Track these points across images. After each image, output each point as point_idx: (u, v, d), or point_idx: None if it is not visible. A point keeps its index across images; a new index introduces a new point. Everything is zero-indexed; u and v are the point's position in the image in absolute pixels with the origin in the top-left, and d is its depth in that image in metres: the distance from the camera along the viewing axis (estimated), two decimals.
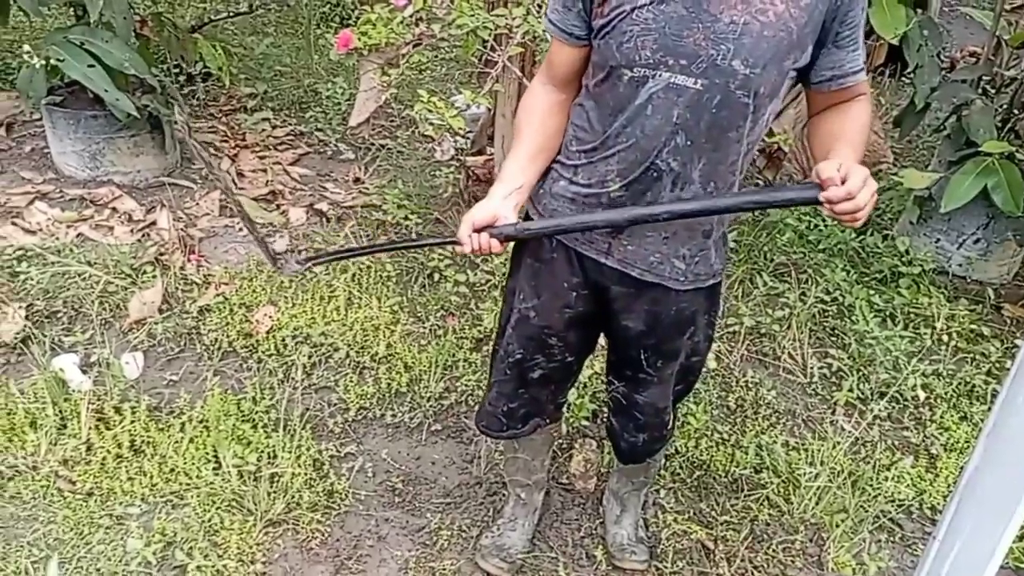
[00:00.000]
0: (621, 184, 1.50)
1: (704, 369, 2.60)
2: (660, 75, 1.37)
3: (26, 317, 2.64)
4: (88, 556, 1.93)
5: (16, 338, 2.58)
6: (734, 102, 1.37)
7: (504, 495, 2.22)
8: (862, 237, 3.33)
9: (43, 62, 2.98)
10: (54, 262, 2.85)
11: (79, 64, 3.01)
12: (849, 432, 2.53)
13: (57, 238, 3.04)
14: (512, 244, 1.69)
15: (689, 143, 1.42)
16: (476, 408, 1.98)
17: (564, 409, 2.10)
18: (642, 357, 1.72)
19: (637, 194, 1.50)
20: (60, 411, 2.30)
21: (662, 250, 1.56)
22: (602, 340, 1.86)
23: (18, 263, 2.85)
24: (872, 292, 3.04)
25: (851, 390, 2.66)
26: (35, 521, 2.01)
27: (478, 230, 1.51)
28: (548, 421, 1.95)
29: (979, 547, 1.66)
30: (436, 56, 2.99)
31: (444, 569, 2.04)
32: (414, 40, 2.80)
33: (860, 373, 2.74)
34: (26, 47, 2.94)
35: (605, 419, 1.99)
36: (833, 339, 2.93)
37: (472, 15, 2.33)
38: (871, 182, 1.28)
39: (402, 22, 2.55)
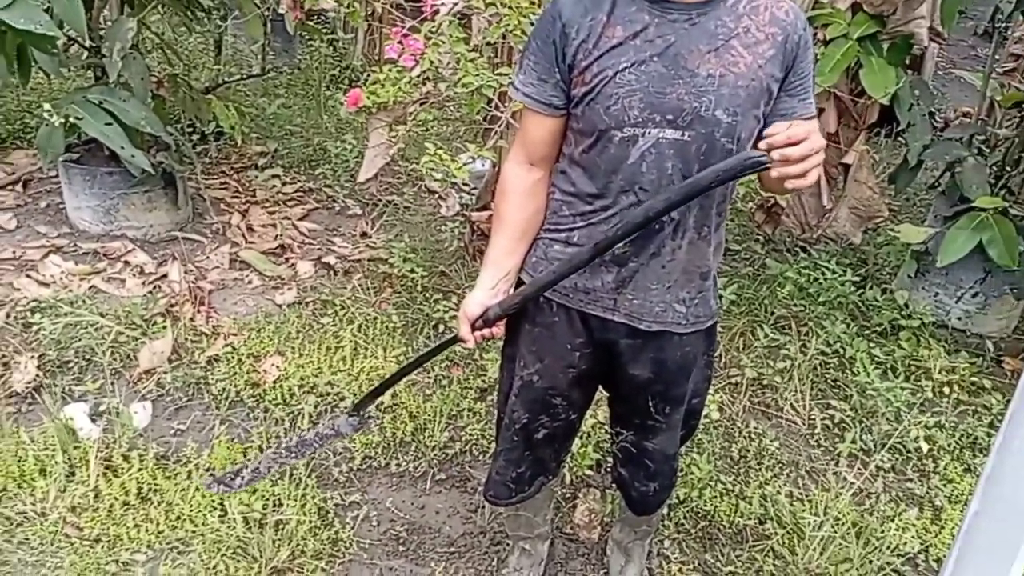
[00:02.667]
0: (624, 241, 1.56)
1: (706, 419, 2.64)
2: (650, 132, 1.43)
3: (38, 367, 2.68)
4: None
5: (28, 387, 2.61)
6: (719, 148, 1.44)
7: (508, 545, 2.22)
8: (862, 291, 3.37)
9: (62, 120, 3.08)
10: (67, 313, 2.90)
11: (97, 122, 3.11)
12: (852, 483, 2.54)
13: (70, 290, 3.09)
14: None
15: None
16: (484, 480, 1.98)
17: (563, 466, 2.11)
18: (650, 404, 1.74)
19: (639, 247, 1.55)
20: (69, 459, 2.33)
21: (665, 299, 1.61)
22: (602, 391, 1.89)
23: (31, 314, 2.91)
24: (872, 345, 3.08)
25: (854, 441, 2.68)
26: (42, 567, 2.02)
27: (474, 322, 1.60)
28: (550, 478, 1.97)
29: None
30: (442, 115, 3.09)
31: None
32: (421, 99, 2.91)
33: (862, 424, 2.76)
34: (46, 105, 3.05)
35: (612, 471, 2.00)
36: (835, 391, 2.95)
37: (477, 75, 2.42)
38: (817, 137, 1.28)
39: (409, 82, 2.65)
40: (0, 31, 2.87)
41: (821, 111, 3.25)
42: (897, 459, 2.67)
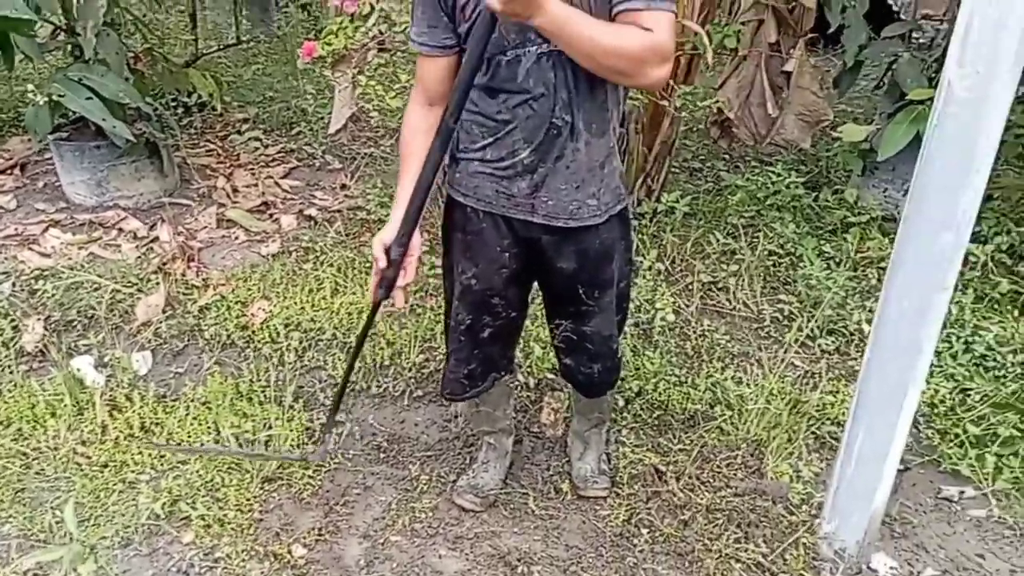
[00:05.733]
0: (530, 149, 1.73)
1: (662, 321, 2.83)
2: (528, 50, 1.61)
3: (44, 327, 2.93)
4: (105, 514, 2.19)
5: (36, 346, 2.86)
6: None
7: (478, 444, 2.45)
8: (816, 195, 3.52)
9: (46, 99, 3.28)
10: (68, 277, 3.14)
11: (78, 97, 3.31)
12: (798, 366, 2.73)
13: (70, 258, 3.33)
14: (441, 225, 1.94)
15: (568, 96, 1.66)
16: (439, 380, 2.17)
17: (514, 362, 2.28)
18: (580, 292, 1.92)
19: (543, 153, 1.73)
20: (77, 402, 2.58)
21: (577, 197, 1.79)
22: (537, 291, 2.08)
23: (35, 281, 3.15)
24: (822, 242, 3.24)
25: (800, 329, 2.86)
26: (57, 491, 2.28)
27: (387, 249, 1.71)
28: (503, 373, 2.16)
29: (880, 432, 1.86)
30: (402, 58, 3.24)
31: (423, 508, 2.27)
32: (374, 46, 3.07)
33: (808, 313, 2.94)
34: (30, 86, 3.25)
35: (558, 365, 2.19)
36: (786, 287, 3.13)
37: None
38: None
39: (357, 28, 2.82)
40: None
41: (761, 23, 3.36)
42: (840, 341, 2.85)
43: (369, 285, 2.07)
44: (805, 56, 3.29)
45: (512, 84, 1.66)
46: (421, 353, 2.85)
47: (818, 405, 2.53)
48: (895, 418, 1.84)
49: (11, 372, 2.70)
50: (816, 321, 2.86)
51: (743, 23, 3.34)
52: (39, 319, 2.95)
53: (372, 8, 2.77)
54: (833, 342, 2.83)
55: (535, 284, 2.05)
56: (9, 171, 4.06)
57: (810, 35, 3.44)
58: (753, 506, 2.21)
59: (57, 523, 2.15)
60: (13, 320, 2.93)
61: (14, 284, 3.14)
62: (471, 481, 2.32)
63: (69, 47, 3.60)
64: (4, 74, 4.68)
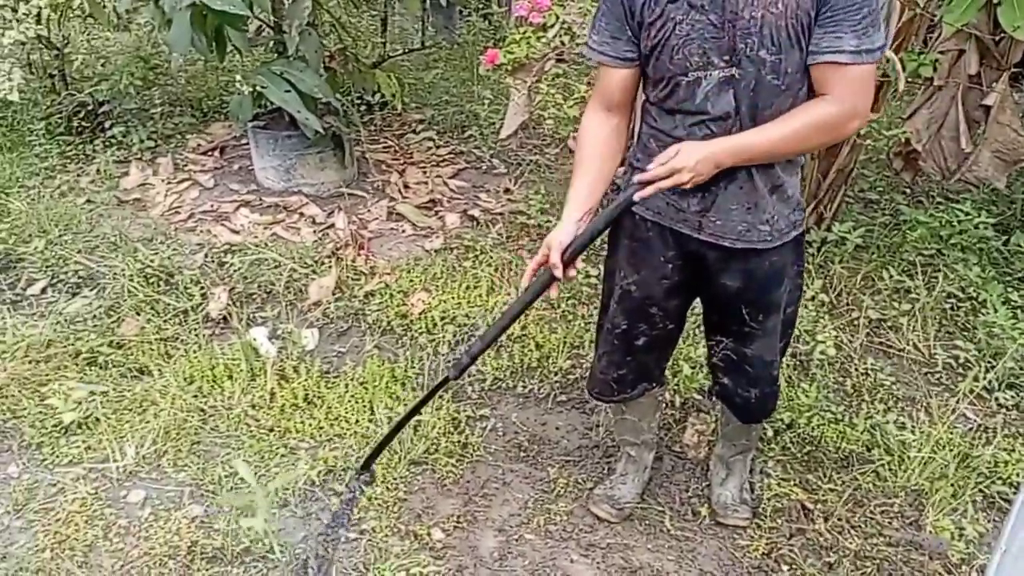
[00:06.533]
0: None
1: (821, 355, 2.72)
2: (711, 74, 1.62)
3: (229, 297, 3.19)
4: (267, 475, 2.36)
5: (220, 313, 3.12)
6: (766, 84, 1.60)
7: (618, 456, 2.45)
8: (1006, 238, 3.27)
9: (250, 89, 3.58)
10: (252, 254, 3.41)
11: (278, 90, 3.59)
12: (970, 418, 2.54)
13: (256, 236, 3.61)
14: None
15: (750, 123, 1.65)
16: (587, 376, 2.20)
17: (666, 374, 2.28)
18: (744, 312, 1.90)
19: (717, 176, 1.70)
20: (251, 368, 2.79)
21: (747, 219, 1.76)
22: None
23: (224, 255, 3.43)
24: (1010, 289, 3.00)
25: (976, 379, 2.66)
26: (228, 447, 2.48)
27: (563, 252, 1.73)
28: (654, 385, 2.17)
29: None
30: (580, 71, 3.30)
31: (559, 511, 2.30)
32: (555, 55, 3.14)
33: (987, 363, 2.73)
34: (238, 76, 3.56)
35: (713, 384, 2.15)
36: (964, 333, 2.92)
37: None
38: (684, 153, 1.61)
39: (539, 39, 2.89)
40: (201, 14, 3.39)
41: (961, 52, 3.17)
42: (1021, 397, 2.63)
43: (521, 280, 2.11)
44: (1008, 91, 3.06)
45: (690, 104, 1.67)
46: (568, 359, 2.89)
47: (990, 462, 2.35)
48: None
49: (197, 335, 2.97)
50: (995, 373, 2.66)
51: (941, 52, 3.16)
52: (225, 289, 3.22)
53: (556, 19, 2.84)
54: (1013, 397, 2.62)
55: (695, 300, 2.04)
56: (210, 153, 4.45)
57: (1015, 69, 3.21)
58: (907, 558, 2.08)
59: (225, 476, 2.34)
60: (203, 288, 3.21)
61: (206, 255, 3.44)
62: (608, 491, 2.33)
63: (272, 43, 3.91)
64: (213, 65, 5.14)
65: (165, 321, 3.02)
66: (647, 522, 2.29)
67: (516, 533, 2.22)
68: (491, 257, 3.43)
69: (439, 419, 2.58)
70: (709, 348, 2.09)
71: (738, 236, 1.78)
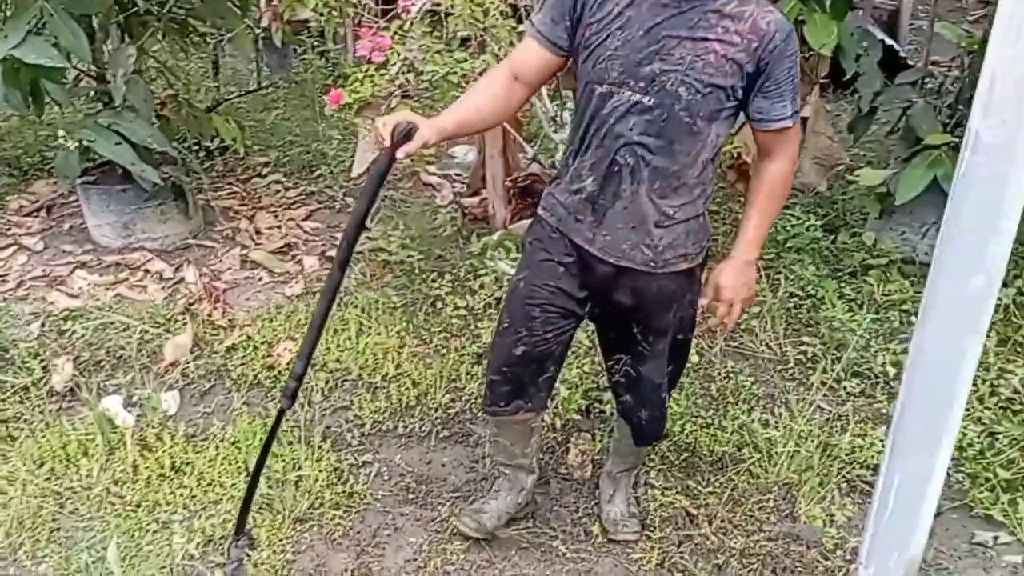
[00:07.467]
0: (592, 179, 1.81)
1: (687, 364, 2.85)
2: (623, 92, 1.70)
3: (74, 367, 2.95)
4: (139, 555, 2.19)
5: (66, 386, 2.88)
6: (677, 120, 1.70)
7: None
8: (833, 237, 3.57)
9: (76, 144, 3.35)
10: (96, 318, 3.18)
11: (108, 143, 3.38)
12: (824, 408, 2.74)
13: (98, 299, 3.37)
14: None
15: (641, 145, 1.73)
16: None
17: (545, 403, 2.23)
18: (635, 331, 1.96)
19: (605, 187, 1.80)
20: (108, 441, 2.59)
21: (631, 239, 1.83)
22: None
23: (64, 322, 3.18)
24: (843, 284, 3.27)
25: (825, 371, 2.88)
26: (92, 531, 2.28)
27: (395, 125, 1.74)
28: (529, 406, 2.12)
29: (916, 477, 1.87)
30: (425, 105, 3.32)
31: (455, 550, 2.27)
32: (399, 92, 3.14)
33: (833, 356, 2.96)
34: (61, 132, 3.32)
35: (616, 403, 2.18)
36: (809, 329, 3.15)
37: (444, 63, 2.65)
38: (726, 288, 1.89)
39: (383, 76, 2.89)
40: (14, 68, 3.15)
41: None
42: (866, 384, 2.86)
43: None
44: (821, 102, 3.36)
45: (598, 113, 1.75)
46: (447, 393, 2.87)
47: (848, 449, 2.54)
48: (931, 463, 1.84)
49: (42, 412, 2.72)
50: (841, 364, 2.88)
51: None
52: (68, 359, 2.98)
53: (397, 56, 2.85)
54: (859, 384, 2.85)
55: (578, 328, 2.08)
56: (35, 213, 4.12)
57: (822, 80, 3.52)
58: (787, 551, 2.21)
59: (93, 563, 2.15)
60: (43, 360, 2.96)
61: (43, 324, 3.18)
62: (475, 506, 2.32)
63: (95, 92, 3.69)
64: (31, 119, 4.77)
65: (3, 400, 2.76)
66: (542, 548, 2.30)
67: None
68: (356, 298, 3.36)
69: (320, 471, 2.49)
70: (609, 369, 2.12)
71: (622, 254, 1.85)
